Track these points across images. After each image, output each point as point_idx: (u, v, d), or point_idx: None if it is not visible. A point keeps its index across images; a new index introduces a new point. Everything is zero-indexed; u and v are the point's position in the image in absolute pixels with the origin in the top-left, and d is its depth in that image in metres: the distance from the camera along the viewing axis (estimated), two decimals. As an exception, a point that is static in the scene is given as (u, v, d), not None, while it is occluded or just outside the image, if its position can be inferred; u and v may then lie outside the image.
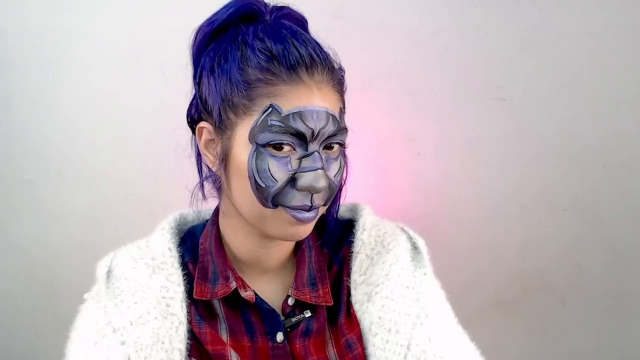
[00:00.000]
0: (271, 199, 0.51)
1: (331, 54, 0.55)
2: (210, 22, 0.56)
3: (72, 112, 1.00)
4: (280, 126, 0.49)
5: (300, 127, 0.50)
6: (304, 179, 0.51)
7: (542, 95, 1.02)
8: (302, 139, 0.51)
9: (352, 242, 0.65)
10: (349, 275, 0.63)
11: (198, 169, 0.63)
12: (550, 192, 1.08)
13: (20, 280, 1.08)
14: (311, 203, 0.52)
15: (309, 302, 0.59)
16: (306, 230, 0.56)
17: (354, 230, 0.65)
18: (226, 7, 0.55)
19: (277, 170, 0.50)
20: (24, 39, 0.96)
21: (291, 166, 0.51)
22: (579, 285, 1.13)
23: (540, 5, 0.98)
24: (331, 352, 0.58)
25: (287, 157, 0.51)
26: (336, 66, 0.56)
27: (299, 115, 0.50)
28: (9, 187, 1.03)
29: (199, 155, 0.62)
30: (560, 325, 1.15)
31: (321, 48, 0.54)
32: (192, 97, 0.60)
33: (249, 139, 0.51)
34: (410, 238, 0.65)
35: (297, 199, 0.52)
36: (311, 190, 0.51)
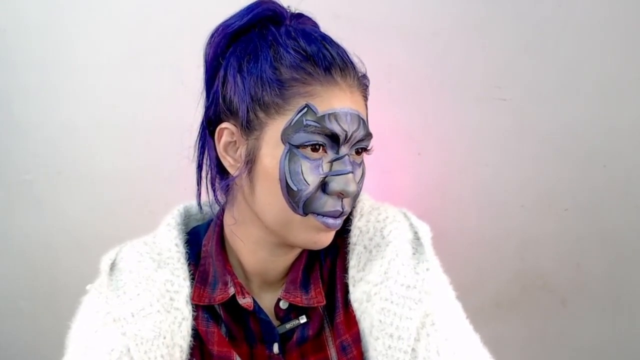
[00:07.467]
0: (302, 204, 0.50)
1: (356, 62, 0.55)
2: (229, 24, 0.54)
3: (72, 112, 1.00)
4: (315, 126, 0.49)
5: (336, 128, 0.49)
6: (336, 183, 0.50)
7: (542, 95, 1.02)
8: (335, 140, 0.50)
9: (349, 230, 0.61)
10: (345, 270, 0.60)
11: (197, 178, 0.60)
12: (551, 192, 1.08)
13: (21, 280, 1.08)
14: (342, 208, 0.51)
15: (299, 304, 0.57)
16: (329, 238, 0.54)
17: (350, 217, 0.62)
18: (247, 9, 0.54)
19: (309, 174, 0.49)
20: (24, 39, 0.96)
21: (322, 170, 0.50)
22: (579, 285, 1.13)
23: (540, 5, 0.97)
24: (332, 350, 0.57)
25: (319, 159, 0.50)
26: (360, 74, 0.55)
27: (334, 116, 0.49)
28: (9, 187, 1.03)
29: (200, 165, 0.60)
30: (560, 325, 1.15)
31: (348, 54, 0.54)
32: (207, 100, 0.57)
33: (282, 139, 0.50)
34: (412, 226, 0.61)
35: (329, 204, 0.51)
36: (342, 194, 0.50)
